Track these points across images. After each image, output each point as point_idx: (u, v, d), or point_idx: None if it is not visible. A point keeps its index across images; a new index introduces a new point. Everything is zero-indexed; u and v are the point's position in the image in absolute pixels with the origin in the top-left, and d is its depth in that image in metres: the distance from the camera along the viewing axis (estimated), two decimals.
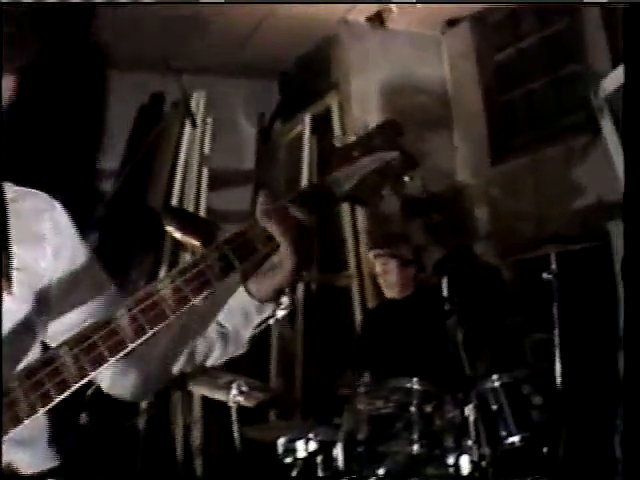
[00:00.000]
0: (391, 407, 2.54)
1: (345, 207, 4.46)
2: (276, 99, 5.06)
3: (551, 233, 2.94)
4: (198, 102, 4.11)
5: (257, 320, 1.08)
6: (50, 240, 1.09)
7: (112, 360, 0.92)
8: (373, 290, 4.14)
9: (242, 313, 1.06)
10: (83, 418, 2.57)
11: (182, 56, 4.20)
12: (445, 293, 2.63)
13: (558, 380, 2.69)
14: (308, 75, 4.76)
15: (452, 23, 4.40)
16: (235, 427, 2.86)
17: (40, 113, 3.34)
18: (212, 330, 1.10)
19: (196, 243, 2.85)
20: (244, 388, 2.88)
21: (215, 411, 3.44)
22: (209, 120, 4.15)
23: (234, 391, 2.85)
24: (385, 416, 2.54)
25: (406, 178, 1.04)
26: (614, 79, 3.27)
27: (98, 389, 1.19)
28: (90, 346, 0.91)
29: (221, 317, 1.08)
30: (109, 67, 4.44)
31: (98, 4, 3.28)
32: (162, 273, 3.70)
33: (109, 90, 4.50)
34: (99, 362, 0.92)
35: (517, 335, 3.62)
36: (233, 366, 2.84)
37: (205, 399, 3.40)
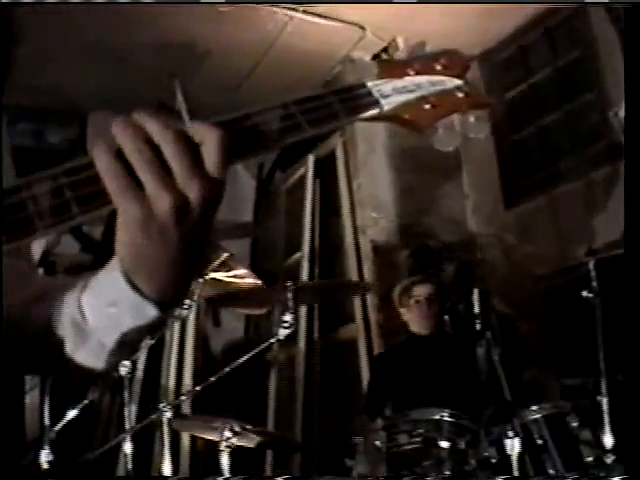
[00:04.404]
0: (416, 443, 2.13)
1: (351, 256, 4.10)
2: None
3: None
4: None
5: (128, 320, 0.65)
6: None
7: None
8: (380, 341, 3.79)
9: (109, 300, 0.65)
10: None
11: (173, 96, 4.00)
12: (476, 310, 2.27)
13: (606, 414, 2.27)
14: None
15: None
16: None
17: None
18: (69, 311, 0.69)
19: None
20: (238, 429, 2.47)
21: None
22: None
23: (227, 433, 2.44)
24: (409, 453, 2.12)
25: (472, 118, 0.79)
26: None
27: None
28: None
29: (85, 296, 0.68)
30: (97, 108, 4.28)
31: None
32: None
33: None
34: None
35: (537, 389, 3.28)
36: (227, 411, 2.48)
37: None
